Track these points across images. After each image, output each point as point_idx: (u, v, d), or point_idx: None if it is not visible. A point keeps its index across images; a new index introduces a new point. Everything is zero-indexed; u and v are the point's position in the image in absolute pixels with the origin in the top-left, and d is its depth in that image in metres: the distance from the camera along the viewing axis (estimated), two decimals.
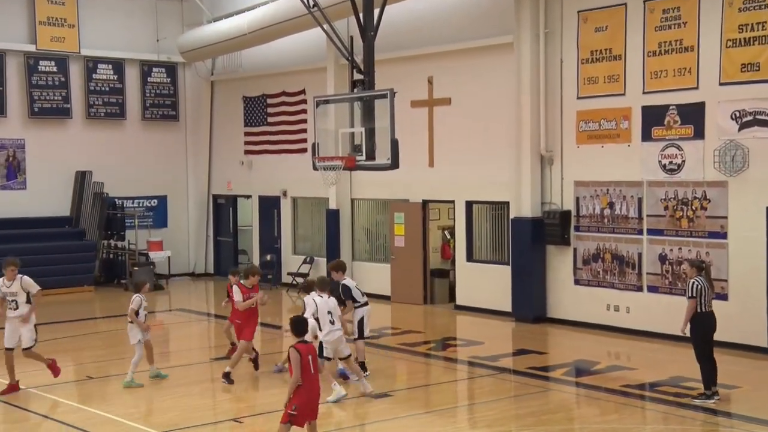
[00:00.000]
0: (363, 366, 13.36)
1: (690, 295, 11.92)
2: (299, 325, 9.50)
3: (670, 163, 15.99)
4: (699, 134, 15.57)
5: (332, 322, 12.37)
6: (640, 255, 16.45)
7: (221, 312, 19.94)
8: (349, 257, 22.19)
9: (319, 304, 12.43)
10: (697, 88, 15.55)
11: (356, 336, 13.52)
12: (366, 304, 13.67)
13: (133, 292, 13.61)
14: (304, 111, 22.94)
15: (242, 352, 13.61)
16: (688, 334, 12.15)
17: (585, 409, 12.34)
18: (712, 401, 11.88)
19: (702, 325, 11.97)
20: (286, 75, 23.66)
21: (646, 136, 16.31)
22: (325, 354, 12.27)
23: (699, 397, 12.05)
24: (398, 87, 14.47)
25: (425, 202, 20.49)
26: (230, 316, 14.50)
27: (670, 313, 15.81)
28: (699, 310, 11.91)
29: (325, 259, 22.41)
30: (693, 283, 11.93)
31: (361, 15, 14.58)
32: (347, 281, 13.63)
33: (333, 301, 12.60)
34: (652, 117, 16.19)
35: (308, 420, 9.27)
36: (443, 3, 19.79)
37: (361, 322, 13.51)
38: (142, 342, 13.31)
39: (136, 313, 13.22)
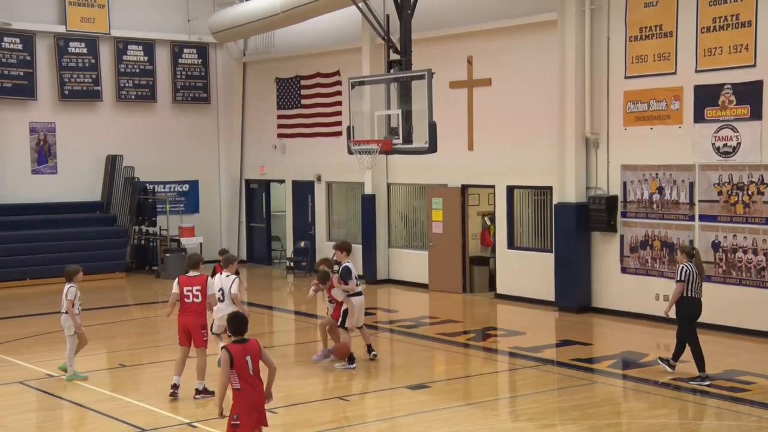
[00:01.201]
0: (369, 348, 13.75)
1: (678, 278, 12.45)
2: (233, 322, 8.40)
3: (725, 145, 15.34)
4: (756, 115, 14.96)
5: (221, 300, 12.70)
6: (691, 242, 15.86)
7: (255, 300, 19.71)
8: (385, 244, 21.85)
9: (215, 281, 12.74)
10: (754, 65, 14.95)
11: (339, 323, 13.41)
12: (360, 294, 13.51)
13: (65, 281, 12.84)
14: (339, 93, 22.56)
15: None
16: (672, 316, 12.66)
17: (633, 402, 12.00)
18: (706, 383, 12.22)
19: (687, 309, 12.49)
20: (321, 56, 23.29)
21: (699, 117, 15.71)
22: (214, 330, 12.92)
23: (695, 379, 12.39)
24: (436, 67, 14.35)
25: (464, 187, 20.05)
26: None
27: (724, 303, 15.39)
28: (686, 294, 12.41)
29: (360, 246, 22.00)
30: (682, 268, 12.48)
31: None
32: (349, 264, 13.49)
33: (231, 279, 12.82)
34: (706, 97, 15.60)
35: (256, 428, 8.25)
36: None
37: (346, 312, 13.34)
38: (76, 334, 12.73)
39: (73, 305, 12.59)
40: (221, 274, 13.17)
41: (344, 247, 13.70)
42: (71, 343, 12.72)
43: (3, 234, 22.09)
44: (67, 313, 12.68)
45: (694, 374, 12.50)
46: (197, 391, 11.69)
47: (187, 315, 11.72)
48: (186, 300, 11.73)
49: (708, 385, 12.16)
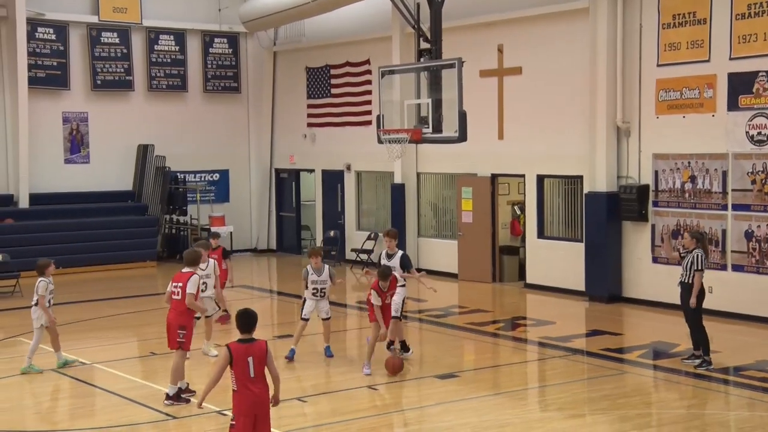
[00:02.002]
0: (404, 345, 13.39)
1: (698, 267, 12.43)
2: (241, 318, 7.99)
3: (759, 134, 15.15)
4: None
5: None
6: (724, 232, 15.70)
7: (285, 289, 19.75)
8: (414, 233, 21.82)
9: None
10: None
11: (398, 315, 12.89)
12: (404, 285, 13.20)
13: (38, 276, 12.60)
14: (369, 82, 22.50)
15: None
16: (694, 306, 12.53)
17: (663, 393, 11.91)
18: (711, 367, 12.42)
19: (701, 297, 12.58)
20: (350, 45, 23.24)
21: (733, 105, 15.52)
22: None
23: (701, 365, 12.47)
24: (467, 56, 14.24)
25: (494, 177, 19.94)
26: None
27: (757, 293, 15.24)
28: (690, 280, 12.54)
29: None
30: (699, 255, 12.46)
31: None
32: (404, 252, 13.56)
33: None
34: (740, 84, 15.40)
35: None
36: None
37: (403, 301, 13.13)
38: (43, 327, 12.60)
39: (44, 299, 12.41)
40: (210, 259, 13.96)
41: (395, 236, 13.33)
42: (37, 335, 12.60)
43: (35, 223, 22.29)
44: (37, 305, 12.51)
45: (725, 364, 12.38)
46: (167, 396, 11.08)
47: (170, 312, 11.32)
48: (173, 296, 11.27)
49: (706, 369, 12.34)
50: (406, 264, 13.05)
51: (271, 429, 8.03)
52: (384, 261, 13.03)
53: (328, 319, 13.34)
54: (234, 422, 7.80)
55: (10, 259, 19.72)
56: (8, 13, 22.31)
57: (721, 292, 15.82)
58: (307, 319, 13.27)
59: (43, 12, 23.04)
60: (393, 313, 12.63)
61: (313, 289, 13.15)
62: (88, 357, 13.27)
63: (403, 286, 12.97)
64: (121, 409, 11.09)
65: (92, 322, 14.89)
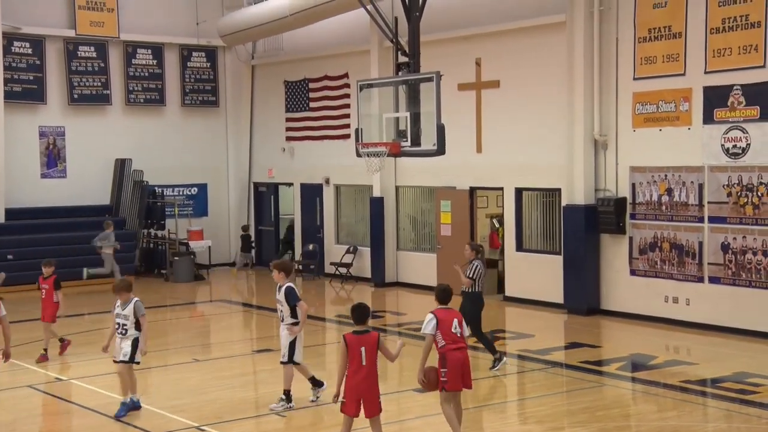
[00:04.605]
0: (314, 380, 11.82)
1: (469, 275, 13.19)
2: (355, 312, 9.11)
3: (734, 146, 15.26)
4: (765, 116, 14.90)
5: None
6: (700, 244, 15.78)
7: (264, 303, 19.65)
8: (393, 246, 21.82)
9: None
10: (764, 66, 14.88)
11: (284, 360, 11.41)
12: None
13: None
14: (347, 95, 22.49)
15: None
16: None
17: (642, 405, 11.89)
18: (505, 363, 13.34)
19: (477, 303, 13.27)
20: (329, 58, 23.25)
21: (708, 119, 15.63)
22: None
23: (495, 363, 13.30)
24: (445, 70, 14.24)
25: (473, 189, 19.97)
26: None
27: (734, 305, 15.31)
28: (476, 289, 13.24)
29: (369, 249, 21.96)
30: (477, 266, 13.25)
31: None
32: (292, 284, 11.55)
33: None
34: (715, 98, 15.51)
35: (356, 413, 8.98)
36: None
37: (291, 344, 11.40)
38: None
39: None
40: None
41: (276, 266, 11.58)
42: None
43: (12, 238, 22.12)
44: None
45: (702, 376, 12.40)
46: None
47: None
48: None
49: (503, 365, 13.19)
50: (289, 298, 11.29)
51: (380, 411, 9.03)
52: (276, 294, 11.48)
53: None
54: (344, 399, 8.96)
55: None
56: None
57: (699, 304, 15.94)
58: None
59: (19, 26, 22.92)
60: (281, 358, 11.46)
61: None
62: (66, 373, 13.15)
63: (293, 324, 11.32)
64: (98, 426, 10.96)
65: (71, 337, 14.80)
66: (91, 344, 15.23)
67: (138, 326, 11.21)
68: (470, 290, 13.29)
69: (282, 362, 11.38)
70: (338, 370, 9.04)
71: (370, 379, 8.95)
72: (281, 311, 11.40)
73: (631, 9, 16.67)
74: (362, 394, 8.93)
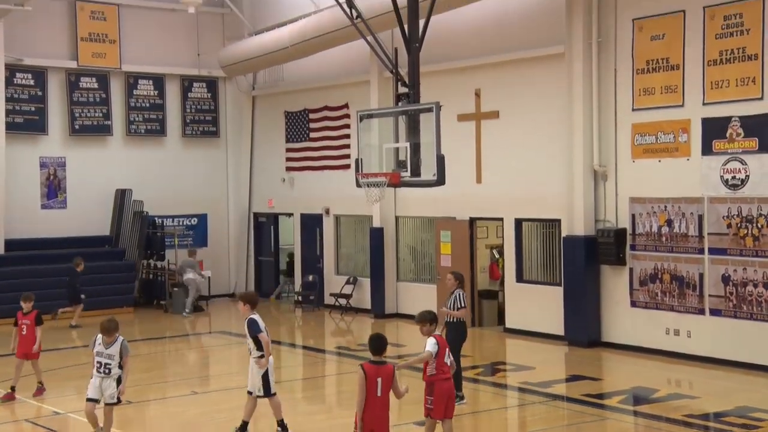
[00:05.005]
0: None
1: (461, 305, 13.05)
2: (373, 342, 9.11)
3: (733, 178, 15.23)
4: (764, 147, 14.87)
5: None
6: (701, 275, 15.71)
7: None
8: (393, 277, 21.75)
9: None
10: (761, 98, 14.87)
11: (251, 391, 11.36)
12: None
13: None
14: (347, 126, 22.54)
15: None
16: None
17: None
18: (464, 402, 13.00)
19: (460, 332, 13.09)
20: (329, 89, 23.32)
21: (707, 150, 15.62)
22: None
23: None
24: (444, 100, 14.20)
25: (473, 220, 19.93)
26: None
27: (735, 338, 15.22)
28: (460, 319, 13.10)
29: (369, 279, 21.91)
30: (460, 294, 13.11)
31: (405, 26, 14.16)
32: (256, 316, 11.40)
33: None
34: (713, 129, 15.50)
35: None
36: (491, 12, 19.26)
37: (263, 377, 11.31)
38: None
39: None
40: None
41: (242, 298, 11.66)
42: None
43: (12, 269, 22.06)
44: None
45: (705, 410, 12.33)
46: None
47: None
48: None
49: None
50: (251, 330, 11.18)
51: None
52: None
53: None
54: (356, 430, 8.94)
55: None
56: None
57: (700, 336, 15.84)
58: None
59: (21, 57, 23.03)
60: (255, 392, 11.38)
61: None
62: (63, 406, 13.03)
63: (260, 357, 11.19)
64: None
65: (68, 369, 14.73)
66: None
67: (121, 365, 11.04)
68: (454, 320, 13.09)
69: (258, 397, 11.29)
70: (358, 402, 8.93)
71: (384, 411, 8.95)
72: (248, 344, 11.31)
73: (629, 41, 16.73)
74: (375, 425, 8.91)
